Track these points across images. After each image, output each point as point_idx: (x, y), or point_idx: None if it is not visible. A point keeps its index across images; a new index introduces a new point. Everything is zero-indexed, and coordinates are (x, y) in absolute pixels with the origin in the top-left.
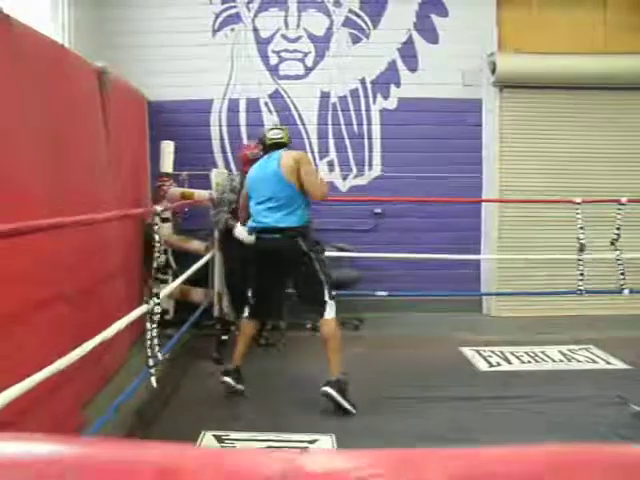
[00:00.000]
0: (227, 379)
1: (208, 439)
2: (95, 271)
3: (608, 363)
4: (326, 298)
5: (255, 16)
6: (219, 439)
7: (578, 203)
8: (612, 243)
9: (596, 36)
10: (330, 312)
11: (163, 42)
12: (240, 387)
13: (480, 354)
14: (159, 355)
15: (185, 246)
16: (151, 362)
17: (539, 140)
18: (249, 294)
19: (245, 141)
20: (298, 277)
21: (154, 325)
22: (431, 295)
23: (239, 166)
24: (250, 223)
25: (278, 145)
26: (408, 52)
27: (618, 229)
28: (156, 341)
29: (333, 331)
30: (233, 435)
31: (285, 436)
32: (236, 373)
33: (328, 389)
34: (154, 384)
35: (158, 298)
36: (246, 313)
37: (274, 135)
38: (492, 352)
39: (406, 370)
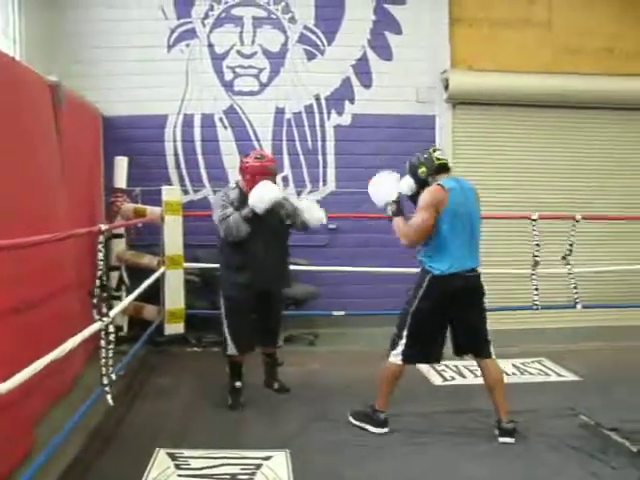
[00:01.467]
0: (381, 430)
1: (162, 457)
2: (46, 287)
3: (559, 375)
4: (489, 337)
5: (210, 32)
6: (173, 457)
7: (534, 219)
8: (564, 258)
9: (543, 56)
10: (493, 351)
11: (118, 57)
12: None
13: (434, 369)
14: (113, 375)
15: (138, 261)
16: (105, 381)
17: (492, 155)
18: (407, 337)
19: (200, 156)
20: (474, 318)
21: (109, 344)
22: (387, 313)
23: (244, 177)
24: (444, 264)
25: (447, 168)
26: (362, 69)
27: (571, 245)
28: (111, 360)
29: (502, 375)
30: (187, 453)
31: (239, 453)
32: (386, 422)
33: (510, 440)
34: (110, 402)
35: (109, 317)
36: (399, 360)
37: (441, 156)
38: (446, 366)
39: (361, 386)
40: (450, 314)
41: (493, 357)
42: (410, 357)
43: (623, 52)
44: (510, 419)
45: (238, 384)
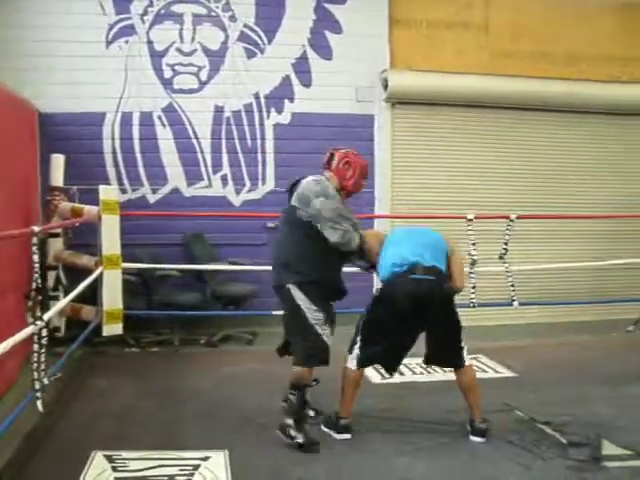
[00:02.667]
0: (342, 436)
1: (99, 459)
2: None
3: (496, 372)
4: (463, 343)
5: (150, 28)
6: (110, 459)
7: (470, 219)
8: (501, 257)
9: (480, 58)
10: (467, 357)
11: (55, 52)
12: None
13: (373, 366)
14: (45, 380)
15: (75, 261)
16: (37, 385)
17: (430, 155)
18: (361, 341)
19: (138, 154)
20: (439, 328)
21: (42, 348)
22: None
23: (345, 173)
24: (384, 270)
25: None
26: (302, 67)
27: (506, 244)
28: (43, 365)
29: (476, 379)
30: (125, 454)
31: (177, 454)
32: (347, 428)
33: (481, 439)
34: (40, 408)
35: (42, 320)
36: (354, 364)
37: None
38: None
39: None
40: (412, 323)
41: (465, 365)
42: (363, 361)
43: (558, 56)
44: (483, 419)
45: (312, 413)
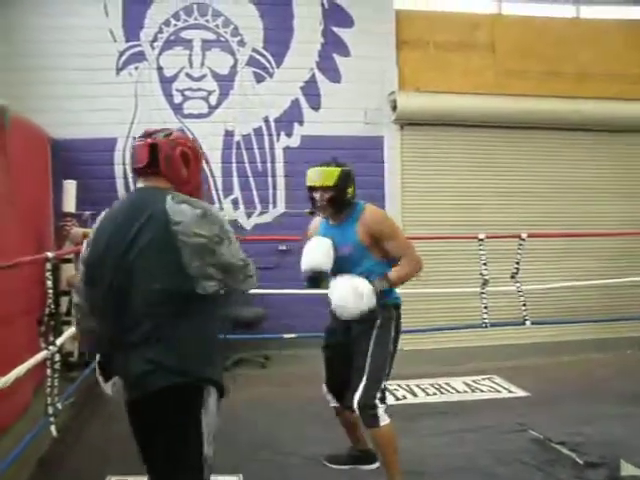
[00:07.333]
0: None
1: None
2: None
3: (510, 392)
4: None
5: (159, 54)
6: None
7: (481, 239)
8: (512, 277)
9: (487, 78)
10: None
11: (66, 79)
12: None
13: (386, 388)
14: (59, 405)
15: None
16: (51, 410)
17: (440, 176)
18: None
19: None
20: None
21: (55, 373)
22: None
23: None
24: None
25: None
26: (311, 91)
27: (518, 263)
28: (56, 390)
29: None
30: (138, 479)
31: None
32: None
33: None
34: (54, 433)
35: (55, 345)
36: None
37: None
38: (398, 385)
39: (313, 407)
40: None
41: None
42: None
43: (566, 74)
44: None
45: None
